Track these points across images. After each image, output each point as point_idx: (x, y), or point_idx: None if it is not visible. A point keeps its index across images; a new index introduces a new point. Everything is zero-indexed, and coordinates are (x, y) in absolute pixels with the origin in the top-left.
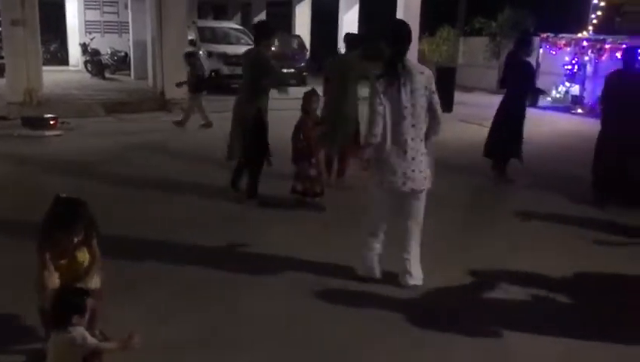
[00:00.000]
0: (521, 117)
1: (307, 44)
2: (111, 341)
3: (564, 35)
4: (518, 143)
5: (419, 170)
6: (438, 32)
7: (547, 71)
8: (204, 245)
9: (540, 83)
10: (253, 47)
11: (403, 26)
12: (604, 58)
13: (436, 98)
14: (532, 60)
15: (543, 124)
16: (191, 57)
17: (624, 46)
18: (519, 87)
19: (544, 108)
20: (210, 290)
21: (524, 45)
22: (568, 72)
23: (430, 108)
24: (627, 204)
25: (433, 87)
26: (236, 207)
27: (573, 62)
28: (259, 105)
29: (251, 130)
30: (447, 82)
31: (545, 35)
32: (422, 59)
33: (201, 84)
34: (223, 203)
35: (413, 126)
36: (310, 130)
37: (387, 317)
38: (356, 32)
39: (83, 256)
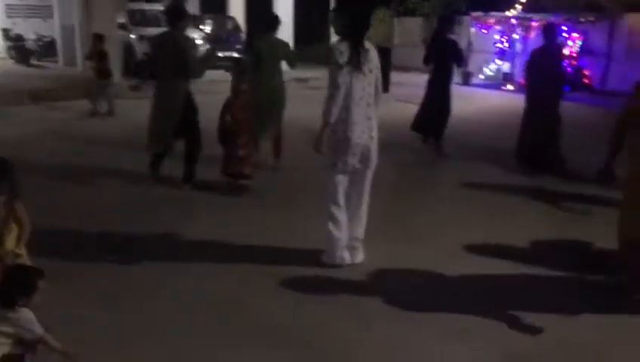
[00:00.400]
0: (447, 93)
1: (242, 26)
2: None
3: (494, 13)
4: (445, 119)
5: (374, 148)
6: (374, 13)
7: (479, 49)
8: (144, 233)
9: (472, 61)
10: (167, 30)
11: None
12: (532, 35)
13: (379, 75)
14: (464, 38)
15: (475, 101)
16: (97, 40)
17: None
18: (445, 63)
19: (477, 85)
20: (157, 280)
21: (447, 23)
22: (499, 49)
23: (375, 85)
24: (554, 174)
25: (379, 64)
26: (170, 192)
27: (503, 40)
28: (187, 89)
29: (186, 114)
30: (383, 63)
31: (476, 14)
32: None
33: (107, 70)
34: (156, 189)
35: (368, 105)
36: (238, 110)
37: (339, 300)
38: (275, 13)
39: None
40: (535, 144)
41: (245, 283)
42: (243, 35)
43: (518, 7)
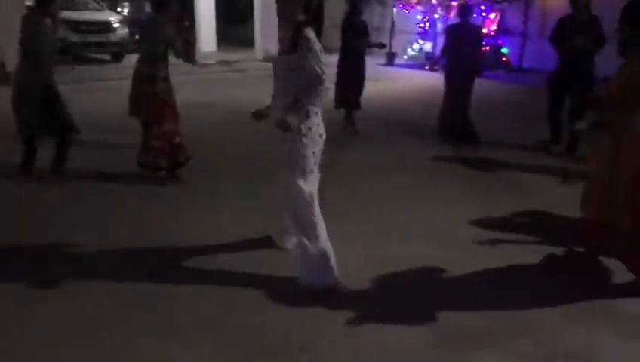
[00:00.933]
0: (361, 72)
1: None
2: None
3: None
4: (358, 95)
5: None
6: None
7: (402, 30)
8: (83, 234)
9: (395, 41)
10: (29, 13)
11: None
12: (452, 15)
13: None
14: (387, 19)
15: (399, 81)
16: None
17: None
18: (357, 44)
19: (400, 65)
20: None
21: (357, 6)
22: (421, 29)
23: None
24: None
25: None
26: (97, 185)
27: (425, 20)
28: (45, 74)
29: (47, 101)
30: None
31: None
32: None
33: None
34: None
35: None
36: (152, 97)
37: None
38: None
39: None
40: (455, 123)
41: (222, 294)
42: None
43: None
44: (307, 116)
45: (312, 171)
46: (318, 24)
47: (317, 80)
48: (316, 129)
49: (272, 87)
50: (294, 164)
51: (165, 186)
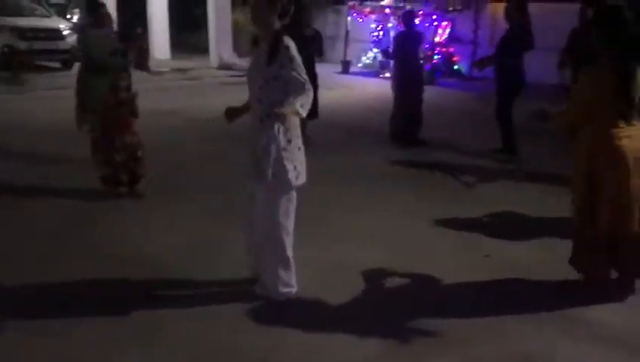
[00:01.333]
0: (312, 81)
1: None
2: None
3: (368, 2)
4: (314, 104)
5: None
6: (249, 1)
7: (356, 38)
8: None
9: (350, 50)
10: None
11: None
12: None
13: None
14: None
15: (355, 89)
16: None
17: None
18: (302, 55)
19: (355, 74)
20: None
21: (303, 16)
22: (375, 38)
23: None
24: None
25: None
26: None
27: (379, 28)
28: None
29: None
30: None
31: (352, 3)
32: (237, 28)
33: None
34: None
35: None
36: (114, 108)
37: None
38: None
39: None
40: (407, 128)
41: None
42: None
43: None
44: (287, 128)
45: (294, 187)
46: (296, 28)
47: (302, 86)
48: (295, 142)
49: (231, 95)
50: (275, 179)
51: (124, 200)
